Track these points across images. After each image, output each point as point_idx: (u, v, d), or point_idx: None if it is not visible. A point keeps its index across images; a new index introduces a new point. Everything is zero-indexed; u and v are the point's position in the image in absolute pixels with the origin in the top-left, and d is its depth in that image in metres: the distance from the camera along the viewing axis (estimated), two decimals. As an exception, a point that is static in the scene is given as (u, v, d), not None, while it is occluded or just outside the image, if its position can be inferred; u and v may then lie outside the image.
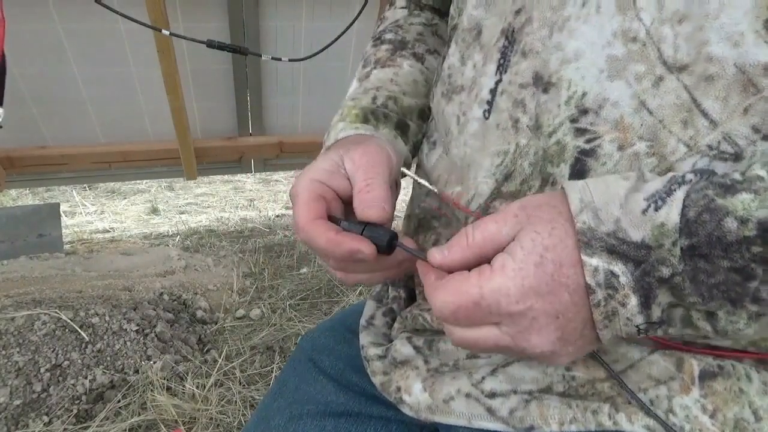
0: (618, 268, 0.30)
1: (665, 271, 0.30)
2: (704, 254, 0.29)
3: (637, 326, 0.32)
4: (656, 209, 0.30)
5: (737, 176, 0.29)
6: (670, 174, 0.31)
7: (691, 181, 0.30)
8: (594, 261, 0.31)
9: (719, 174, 0.30)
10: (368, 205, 0.41)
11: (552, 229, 0.32)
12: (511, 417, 0.40)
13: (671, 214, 0.29)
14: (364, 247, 0.39)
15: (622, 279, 0.30)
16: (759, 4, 0.32)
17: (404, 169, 0.45)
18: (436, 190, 0.45)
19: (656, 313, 0.31)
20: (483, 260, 0.35)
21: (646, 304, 0.31)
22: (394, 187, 0.47)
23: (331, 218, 0.43)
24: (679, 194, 0.30)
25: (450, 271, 0.36)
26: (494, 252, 0.34)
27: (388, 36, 0.61)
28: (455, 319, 0.35)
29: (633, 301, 0.31)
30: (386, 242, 0.40)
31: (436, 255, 0.37)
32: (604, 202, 0.31)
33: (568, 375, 0.40)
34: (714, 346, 0.37)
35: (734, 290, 0.29)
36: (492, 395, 0.41)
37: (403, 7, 0.64)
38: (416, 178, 0.44)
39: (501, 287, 0.32)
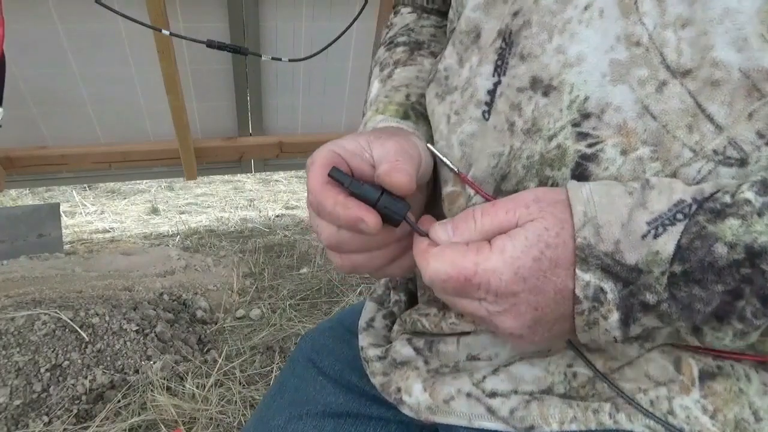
0: (608, 285, 0.32)
1: (650, 298, 0.31)
2: (698, 279, 0.30)
3: (614, 338, 0.33)
4: (655, 236, 0.30)
5: (727, 199, 0.30)
6: (677, 197, 0.31)
7: (691, 213, 0.30)
8: (587, 276, 0.32)
9: (711, 196, 0.30)
10: (396, 170, 0.37)
11: (561, 230, 0.33)
12: (512, 417, 0.40)
13: (668, 244, 0.30)
14: (369, 218, 0.37)
15: (609, 295, 0.32)
16: (763, 7, 0.31)
17: (429, 146, 0.44)
18: (456, 170, 0.44)
19: (635, 331, 0.33)
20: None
21: (625, 321, 0.32)
22: (423, 189, 0.47)
23: (352, 180, 0.39)
24: (680, 227, 0.30)
25: None
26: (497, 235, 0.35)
27: (402, 39, 0.60)
28: (443, 288, 0.35)
29: (615, 316, 0.32)
30: (403, 214, 0.38)
31: (440, 234, 0.37)
32: (607, 220, 0.32)
33: (569, 372, 0.40)
34: (712, 348, 0.37)
35: (722, 309, 0.30)
36: (493, 395, 0.41)
37: (410, 12, 0.64)
38: (441, 156, 0.44)
39: (496, 269, 0.33)
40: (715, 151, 0.34)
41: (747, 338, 0.31)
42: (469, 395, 0.42)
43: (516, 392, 0.41)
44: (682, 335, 0.33)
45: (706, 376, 0.37)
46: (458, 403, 0.42)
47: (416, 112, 0.53)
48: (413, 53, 0.58)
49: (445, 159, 0.44)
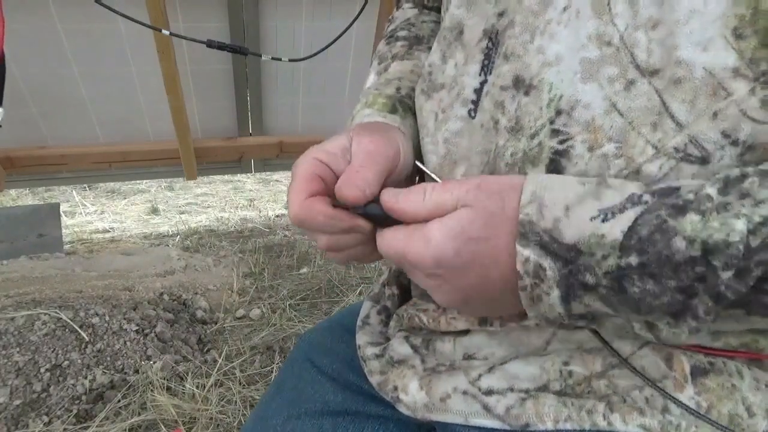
0: (547, 263, 0.33)
1: (589, 279, 0.32)
2: (653, 273, 0.30)
3: (559, 314, 0.35)
4: (603, 221, 0.31)
5: (690, 196, 0.30)
6: (629, 191, 0.32)
7: (647, 202, 0.31)
8: (527, 252, 0.33)
9: (675, 193, 0.31)
10: (348, 184, 0.40)
11: (486, 223, 0.35)
12: (507, 414, 0.40)
13: (614, 229, 0.31)
14: (362, 223, 0.41)
15: (549, 273, 0.33)
16: (727, 12, 0.32)
17: (417, 162, 0.46)
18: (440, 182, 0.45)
19: (577, 309, 0.34)
20: (427, 221, 0.37)
21: (566, 299, 0.33)
22: (403, 183, 0.48)
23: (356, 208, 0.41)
24: (630, 213, 0.31)
25: (395, 215, 0.39)
26: (438, 216, 0.37)
27: (402, 33, 0.61)
28: (389, 257, 0.39)
29: (555, 293, 0.33)
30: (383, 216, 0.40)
31: (387, 195, 0.39)
32: (552, 201, 0.33)
33: (565, 371, 0.40)
34: (705, 346, 0.37)
35: (676, 307, 0.30)
36: (489, 392, 0.41)
37: (411, 8, 0.65)
38: (427, 171, 0.45)
39: (418, 255, 0.36)
40: (675, 149, 0.34)
41: (700, 333, 0.31)
42: (465, 393, 0.42)
43: (512, 390, 0.41)
44: (636, 330, 0.33)
45: (698, 373, 0.37)
46: (454, 401, 0.42)
47: (404, 106, 0.53)
48: (411, 48, 0.59)
49: (431, 173, 0.45)
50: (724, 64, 0.32)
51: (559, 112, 0.38)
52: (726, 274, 0.28)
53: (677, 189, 0.31)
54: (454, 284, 0.36)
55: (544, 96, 0.39)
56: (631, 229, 0.30)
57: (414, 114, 0.53)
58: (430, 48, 0.59)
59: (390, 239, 0.38)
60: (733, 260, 0.28)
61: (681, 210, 0.30)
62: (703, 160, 0.33)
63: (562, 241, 0.32)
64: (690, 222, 0.29)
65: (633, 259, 0.30)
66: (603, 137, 0.36)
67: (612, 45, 0.36)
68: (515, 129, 0.40)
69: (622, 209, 0.31)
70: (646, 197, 0.31)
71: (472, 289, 0.36)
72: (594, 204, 0.32)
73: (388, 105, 0.53)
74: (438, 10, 0.65)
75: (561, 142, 0.38)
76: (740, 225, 0.28)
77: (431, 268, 0.36)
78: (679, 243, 0.29)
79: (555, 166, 0.38)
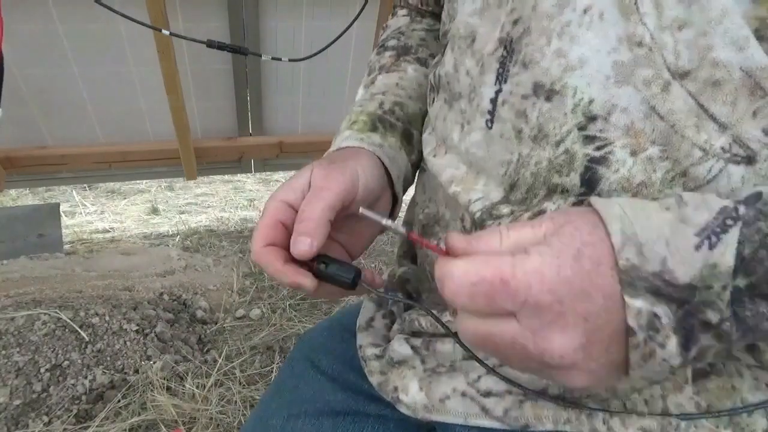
0: (661, 309, 0.28)
1: (712, 317, 0.28)
2: (765, 294, 0.27)
3: (672, 366, 0.30)
4: (710, 247, 0.27)
5: None
6: (719, 204, 0.29)
7: (743, 216, 0.28)
8: (638, 303, 0.28)
9: (765, 198, 0.28)
10: (295, 240, 0.42)
11: (593, 229, 0.30)
12: (506, 416, 0.40)
13: (726, 255, 0.27)
14: (306, 282, 0.43)
15: (664, 320, 0.28)
16: (750, 13, 0.32)
17: (363, 210, 0.39)
18: (403, 231, 0.39)
19: (693, 354, 0.29)
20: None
21: (686, 345, 0.29)
22: (375, 205, 0.50)
23: (321, 257, 0.44)
24: (735, 232, 0.27)
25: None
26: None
27: (391, 43, 0.61)
28: (471, 295, 0.29)
29: (673, 341, 0.28)
30: (351, 280, 0.43)
31: (456, 240, 0.32)
32: (648, 238, 0.28)
33: None
34: None
35: None
36: (487, 394, 0.41)
37: (405, 15, 0.65)
38: (376, 217, 0.39)
39: (537, 270, 0.28)
40: (723, 149, 0.33)
41: None
42: (464, 395, 0.42)
43: (510, 392, 0.41)
44: (732, 352, 0.31)
45: (699, 374, 0.37)
46: (453, 402, 0.42)
47: (385, 123, 0.54)
48: (399, 58, 0.59)
49: (375, 216, 0.39)
50: (762, 63, 0.32)
51: (593, 118, 0.36)
52: None
53: (760, 194, 0.28)
54: (577, 309, 0.29)
55: (568, 101, 0.37)
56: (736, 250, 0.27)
57: (395, 129, 0.54)
58: (417, 58, 0.59)
59: (481, 260, 0.30)
60: None
61: None
62: (749, 160, 0.33)
63: (677, 283, 0.28)
64: None
65: (740, 281, 0.27)
66: (646, 141, 0.35)
67: (644, 45, 0.35)
68: (538, 137, 0.39)
69: (724, 228, 0.28)
70: (742, 209, 0.28)
71: (598, 315, 0.29)
72: (687, 229, 0.28)
73: (368, 123, 0.53)
74: (432, 15, 0.64)
75: (598, 149, 0.37)
76: None
77: (551, 287, 0.28)
78: None
79: (591, 174, 0.37)
